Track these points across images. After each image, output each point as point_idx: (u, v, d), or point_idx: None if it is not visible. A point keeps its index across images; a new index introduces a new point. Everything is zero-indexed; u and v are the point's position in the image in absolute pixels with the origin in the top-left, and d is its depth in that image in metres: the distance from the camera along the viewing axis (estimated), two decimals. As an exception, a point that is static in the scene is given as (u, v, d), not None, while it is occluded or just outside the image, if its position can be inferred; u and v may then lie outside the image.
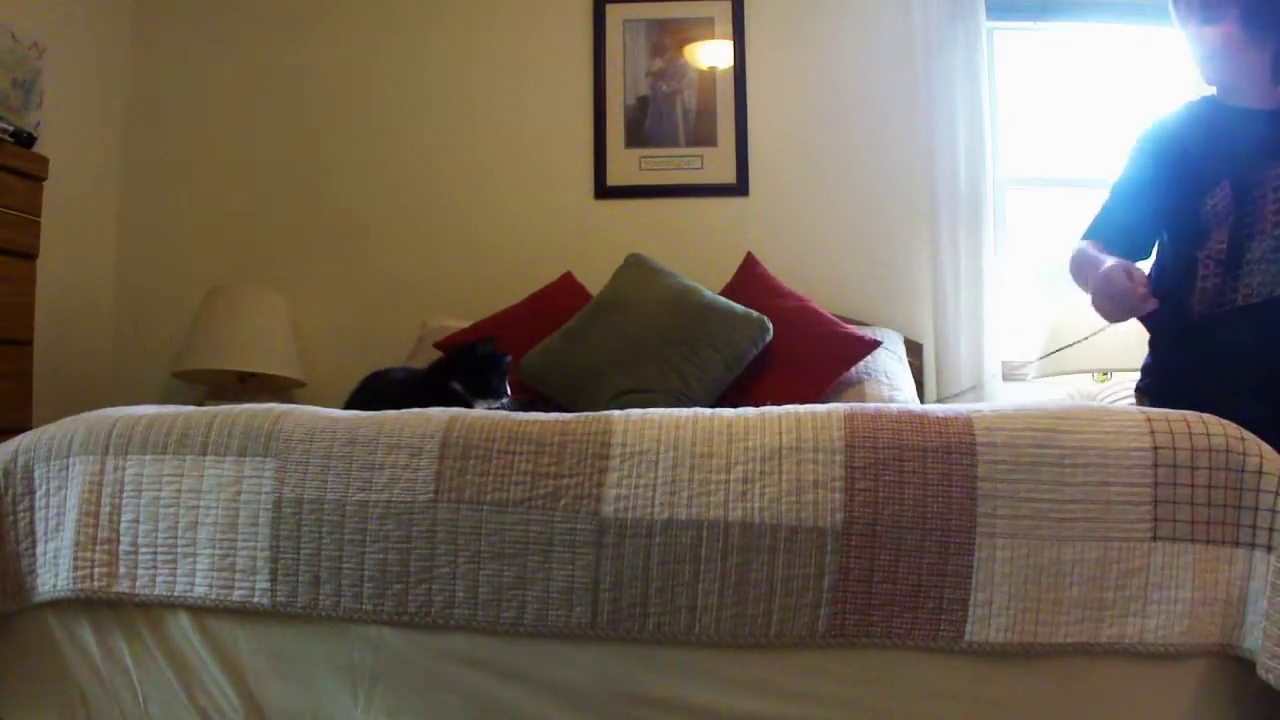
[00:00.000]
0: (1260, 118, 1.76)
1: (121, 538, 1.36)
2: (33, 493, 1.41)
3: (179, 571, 1.34)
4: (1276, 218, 1.69)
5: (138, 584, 1.34)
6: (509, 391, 2.01)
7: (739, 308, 2.57)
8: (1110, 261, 1.68)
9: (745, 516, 1.23)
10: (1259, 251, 1.70)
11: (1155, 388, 1.90)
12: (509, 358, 2.04)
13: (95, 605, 1.36)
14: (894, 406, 1.35)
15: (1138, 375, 1.99)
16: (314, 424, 1.38)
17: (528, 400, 2.26)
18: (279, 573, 1.30)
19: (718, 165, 3.20)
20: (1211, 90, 1.89)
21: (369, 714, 1.29)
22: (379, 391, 1.94)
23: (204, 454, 1.37)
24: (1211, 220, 1.75)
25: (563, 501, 1.26)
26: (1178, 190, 1.81)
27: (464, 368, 1.94)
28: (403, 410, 1.43)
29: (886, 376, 2.65)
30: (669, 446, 1.28)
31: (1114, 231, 1.90)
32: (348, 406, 1.77)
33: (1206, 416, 1.27)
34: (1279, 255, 1.68)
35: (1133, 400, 2.02)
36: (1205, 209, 1.76)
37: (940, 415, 1.30)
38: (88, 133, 3.14)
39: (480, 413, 1.39)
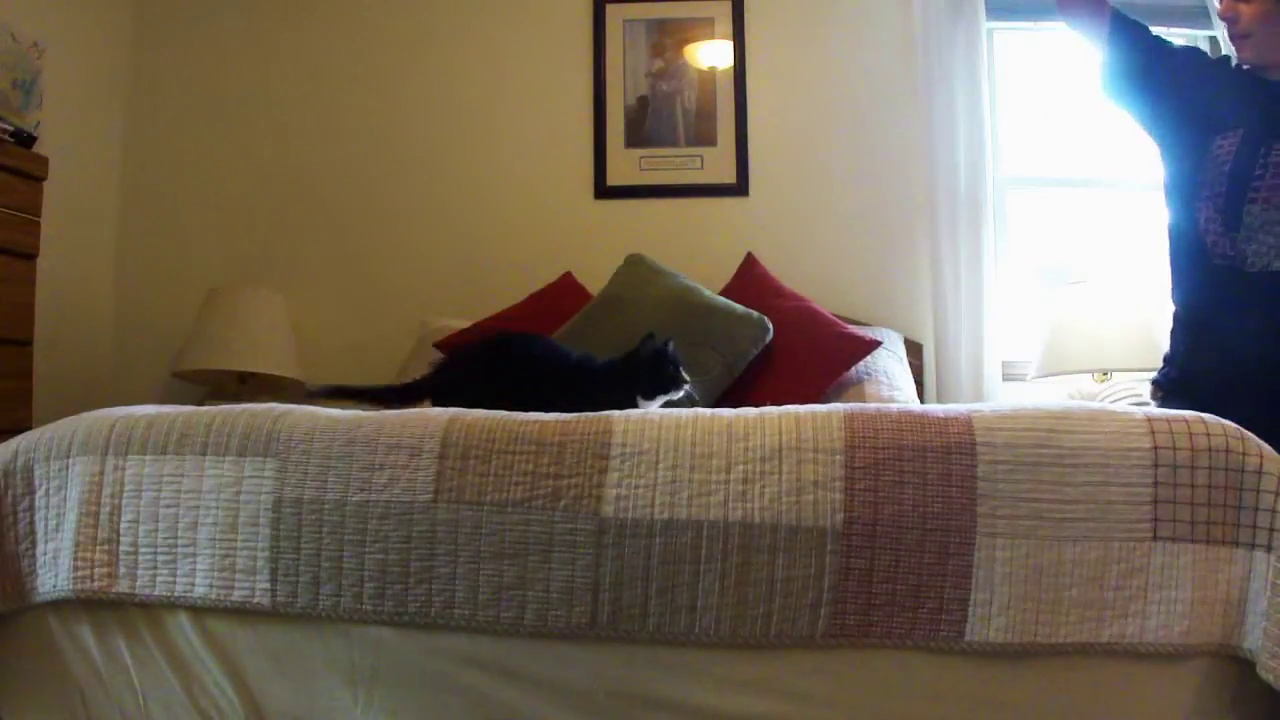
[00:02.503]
0: None
1: (121, 538, 1.36)
2: (33, 493, 1.41)
3: (179, 572, 1.34)
4: (1276, 192, 1.71)
5: (138, 584, 1.34)
6: (684, 378, 1.96)
7: (739, 308, 2.57)
8: None
9: (745, 516, 1.23)
10: (1259, 220, 1.72)
11: (1166, 381, 1.89)
12: (671, 344, 1.96)
13: (95, 605, 1.36)
14: (894, 406, 1.35)
15: (1138, 374, 1.99)
16: (314, 424, 1.38)
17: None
18: (279, 573, 1.31)
19: (718, 165, 3.20)
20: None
21: (369, 714, 1.29)
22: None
23: (204, 454, 1.37)
24: (1215, 160, 1.78)
25: (563, 502, 1.26)
26: (1192, 112, 1.84)
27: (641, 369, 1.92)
28: (403, 410, 1.43)
29: (886, 376, 2.65)
30: (669, 446, 1.28)
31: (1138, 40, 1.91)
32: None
33: (1206, 416, 1.27)
34: (1277, 229, 1.70)
35: (1132, 399, 2.01)
36: (1214, 145, 1.79)
37: (940, 415, 1.30)
38: (88, 133, 3.14)
39: (480, 413, 1.39)
